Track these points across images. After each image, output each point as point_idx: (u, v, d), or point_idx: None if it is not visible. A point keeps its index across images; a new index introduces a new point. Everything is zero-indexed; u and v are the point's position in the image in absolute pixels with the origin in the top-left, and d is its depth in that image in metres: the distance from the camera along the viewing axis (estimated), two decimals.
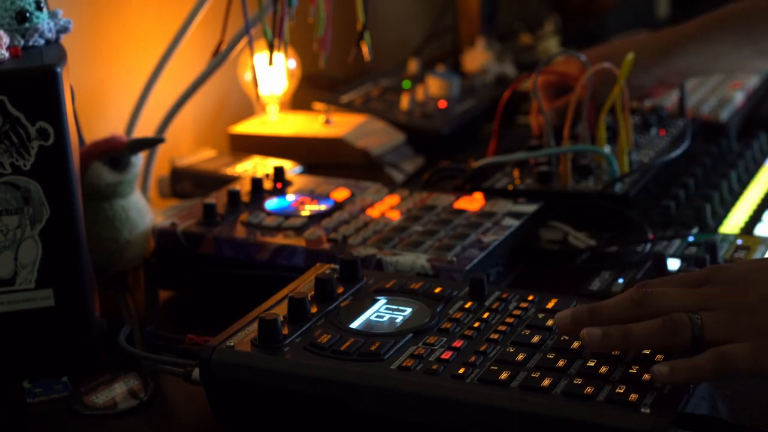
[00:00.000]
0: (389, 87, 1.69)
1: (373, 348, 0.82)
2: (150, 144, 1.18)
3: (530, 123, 1.44)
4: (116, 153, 1.10)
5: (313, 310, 0.89)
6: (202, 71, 1.34)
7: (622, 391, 0.76)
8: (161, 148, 1.38)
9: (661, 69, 1.38)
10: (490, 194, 1.18)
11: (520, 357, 0.81)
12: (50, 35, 0.97)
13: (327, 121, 1.51)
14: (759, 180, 1.34)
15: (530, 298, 0.91)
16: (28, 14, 0.95)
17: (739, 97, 1.56)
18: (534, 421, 0.75)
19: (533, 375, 0.78)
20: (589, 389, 0.76)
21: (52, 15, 0.98)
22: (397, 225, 1.10)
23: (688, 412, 0.78)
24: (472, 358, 0.81)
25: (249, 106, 1.59)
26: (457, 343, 0.83)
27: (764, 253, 1.08)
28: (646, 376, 0.78)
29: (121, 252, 1.11)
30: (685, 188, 1.26)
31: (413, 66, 1.78)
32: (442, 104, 1.62)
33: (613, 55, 1.31)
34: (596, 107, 1.27)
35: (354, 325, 0.87)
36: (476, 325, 0.87)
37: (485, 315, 0.88)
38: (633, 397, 0.75)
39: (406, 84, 1.70)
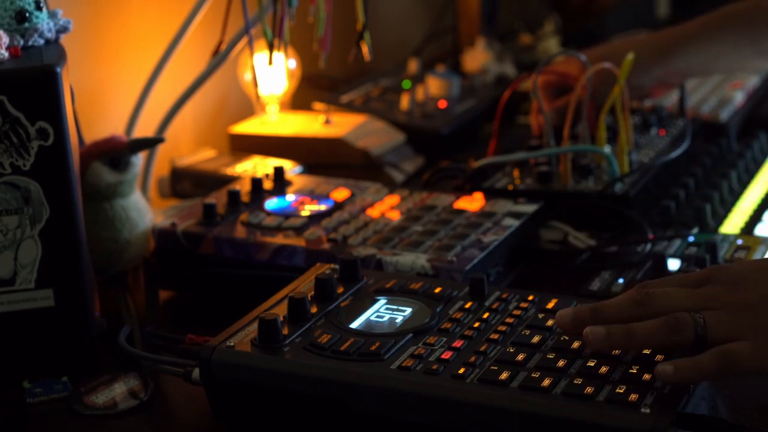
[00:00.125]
0: (389, 87, 1.69)
1: (373, 348, 0.82)
2: (150, 144, 1.18)
3: (530, 123, 1.44)
4: (116, 153, 1.10)
5: (313, 310, 0.88)
6: (202, 71, 1.34)
7: (622, 391, 0.76)
8: (161, 148, 1.38)
9: (661, 69, 1.38)
10: (490, 194, 1.18)
11: (520, 357, 0.81)
12: (50, 35, 0.97)
13: (327, 121, 1.51)
14: (759, 180, 1.34)
15: (530, 298, 0.91)
16: (27, 14, 0.95)
17: (739, 97, 1.56)
18: (534, 421, 0.75)
19: (533, 375, 0.78)
20: (589, 389, 0.76)
21: (52, 15, 0.98)
22: (397, 225, 1.10)
23: (688, 412, 0.78)
24: (472, 358, 0.81)
25: (249, 106, 1.59)
26: (457, 343, 0.83)
27: (764, 253, 1.08)
28: (646, 376, 0.78)
29: (121, 252, 1.11)
30: (685, 188, 1.26)
31: (413, 66, 1.78)
32: (442, 104, 1.62)
33: (613, 55, 1.31)
34: (596, 107, 1.27)
35: (354, 325, 0.87)
36: (476, 325, 0.87)
37: (485, 315, 0.88)
38: (633, 397, 0.75)
39: (406, 84, 1.70)
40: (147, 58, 1.40)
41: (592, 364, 0.80)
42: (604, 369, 0.79)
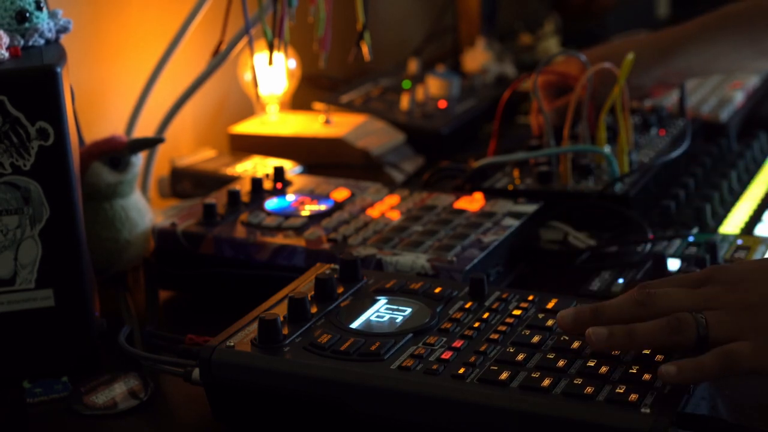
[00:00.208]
0: (389, 87, 1.69)
1: (373, 348, 0.82)
2: (150, 144, 1.18)
3: (530, 123, 1.44)
4: (116, 153, 1.10)
5: (313, 310, 0.88)
6: (202, 71, 1.34)
7: (622, 391, 0.76)
8: (161, 148, 1.38)
9: (661, 69, 1.38)
10: (490, 194, 1.18)
11: (520, 357, 0.81)
12: (50, 35, 0.97)
13: (327, 121, 1.51)
14: (759, 180, 1.34)
15: (530, 298, 0.91)
16: (27, 14, 0.95)
17: (739, 97, 1.56)
18: (534, 421, 0.75)
19: (533, 375, 0.78)
20: (589, 389, 0.76)
21: (52, 15, 0.98)
22: (397, 225, 1.10)
23: (688, 412, 0.78)
24: (472, 358, 0.81)
25: (249, 106, 1.59)
26: (457, 343, 0.83)
27: (764, 253, 1.08)
28: (646, 376, 0.78)
29: (121, 252, 1.11)
30: (685, 188, 1.26)
31: (413, 66, 1.78)
32: (442, 104, 1.62)
33: (613, 55, 1.31)
34: (596, 107, 1.27)
35: (354, 325, 0.87)
36: (476, 325, 0.87)
37: (485, 315, 0.88)
38: (633, 397, 0.75)
39: (406, 84, 1.70)
40: (147, 58, 1.40)
41: (592, 364, 0.80)
42: (604, 369, 0.79)
